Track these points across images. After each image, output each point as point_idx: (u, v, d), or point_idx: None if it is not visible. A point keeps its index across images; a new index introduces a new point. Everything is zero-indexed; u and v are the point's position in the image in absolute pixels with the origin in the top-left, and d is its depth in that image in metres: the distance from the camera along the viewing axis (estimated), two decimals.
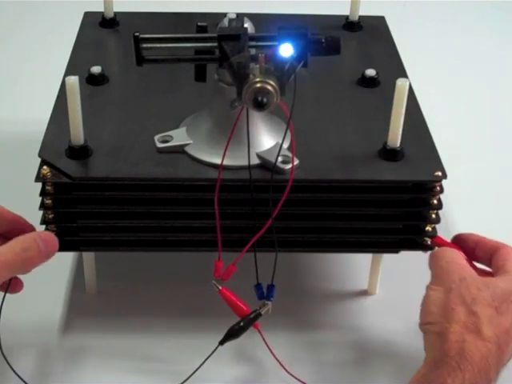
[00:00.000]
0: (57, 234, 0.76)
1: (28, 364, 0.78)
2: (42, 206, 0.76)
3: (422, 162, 0.78)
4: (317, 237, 0.80)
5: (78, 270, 0.88)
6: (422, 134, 0.83)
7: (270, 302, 0.75)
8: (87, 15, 1.04)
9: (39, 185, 0.76)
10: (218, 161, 0.75)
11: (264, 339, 0.75)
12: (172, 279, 0.89)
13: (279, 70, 0.70)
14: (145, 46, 0.74)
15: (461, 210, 0.98)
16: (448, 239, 0.79)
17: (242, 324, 0.74)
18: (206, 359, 0.74)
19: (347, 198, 0.78)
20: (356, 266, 0.91)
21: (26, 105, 1.18)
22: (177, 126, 0.81)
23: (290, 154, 0.76)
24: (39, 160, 0.77)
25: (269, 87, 0.69)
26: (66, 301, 0.86)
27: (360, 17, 1.03)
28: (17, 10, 1.46)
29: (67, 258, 0.90)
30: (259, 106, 0.70)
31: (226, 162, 0.75)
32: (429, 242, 0.80)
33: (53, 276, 0.83)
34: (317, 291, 0.88)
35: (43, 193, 0.76)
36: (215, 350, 0.74)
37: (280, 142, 0.76)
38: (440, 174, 0.76)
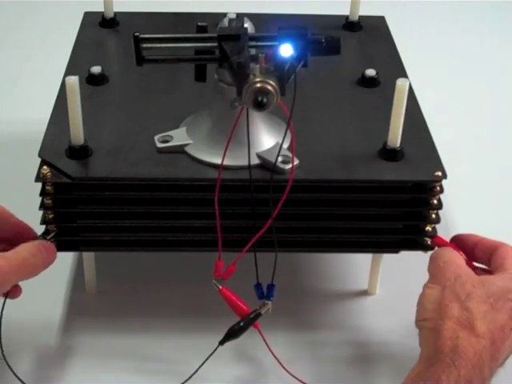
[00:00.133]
0: (57, 234, 0.76)
1: (28, 364, 0.78)
2: (42, 205, 0.76)
3: (422, 161, 0.78)
4: (317, 237, 0.80)
5: (78, 270, 0.89)
6: (422, 134, 0.83)
7: (269, 302, 0.75)
8: (87, 15, 1.04)
9: (39, 185, 0.76)
10: (218, 161, 0.75)
11: (264, 339, 0.75)
12: (172, 279, 0.89)
13: (279, 70, 0.70)
14: (145, 45, 0.74)
15: (461, 210, 0.98)
16: (448, 239, 0.79)
17: (242, 324, 0.74)
18: (206, 359, 0.74)
19: (347, 198, 0.78)
20: (356, 266, 0.91)
21: (26, 105, 1.18)
22: (177, 126, 0.81)
23: (290, 154, 0.76)
24: (39, 160, 0.77)
25: (269, 87, 0.69)
26: (66, 301, 0.86)
27: (360, 17, 1.03)
28: (17, 10, 1.46)
29: (67, 258, 0.90)
30: (259, 106, 0.70)
31: (226, 162, 0.75)
32: (429, 242, 0.80)
33: (53, 276, 0.82)
34: (317, 291, 0.88)
35: (43, 193, 0.76)
36: (215, 350, 0.74)
37: (280, 141, 0.76)
38: (440, 173, 0.76)
